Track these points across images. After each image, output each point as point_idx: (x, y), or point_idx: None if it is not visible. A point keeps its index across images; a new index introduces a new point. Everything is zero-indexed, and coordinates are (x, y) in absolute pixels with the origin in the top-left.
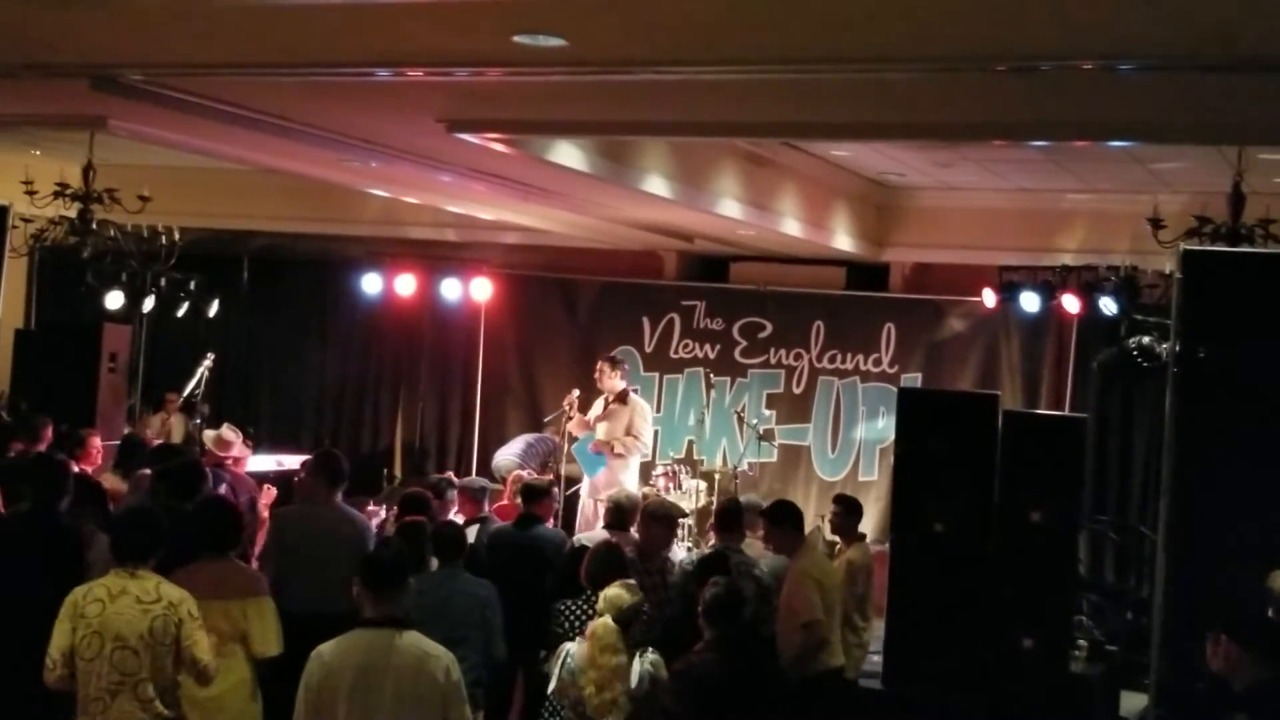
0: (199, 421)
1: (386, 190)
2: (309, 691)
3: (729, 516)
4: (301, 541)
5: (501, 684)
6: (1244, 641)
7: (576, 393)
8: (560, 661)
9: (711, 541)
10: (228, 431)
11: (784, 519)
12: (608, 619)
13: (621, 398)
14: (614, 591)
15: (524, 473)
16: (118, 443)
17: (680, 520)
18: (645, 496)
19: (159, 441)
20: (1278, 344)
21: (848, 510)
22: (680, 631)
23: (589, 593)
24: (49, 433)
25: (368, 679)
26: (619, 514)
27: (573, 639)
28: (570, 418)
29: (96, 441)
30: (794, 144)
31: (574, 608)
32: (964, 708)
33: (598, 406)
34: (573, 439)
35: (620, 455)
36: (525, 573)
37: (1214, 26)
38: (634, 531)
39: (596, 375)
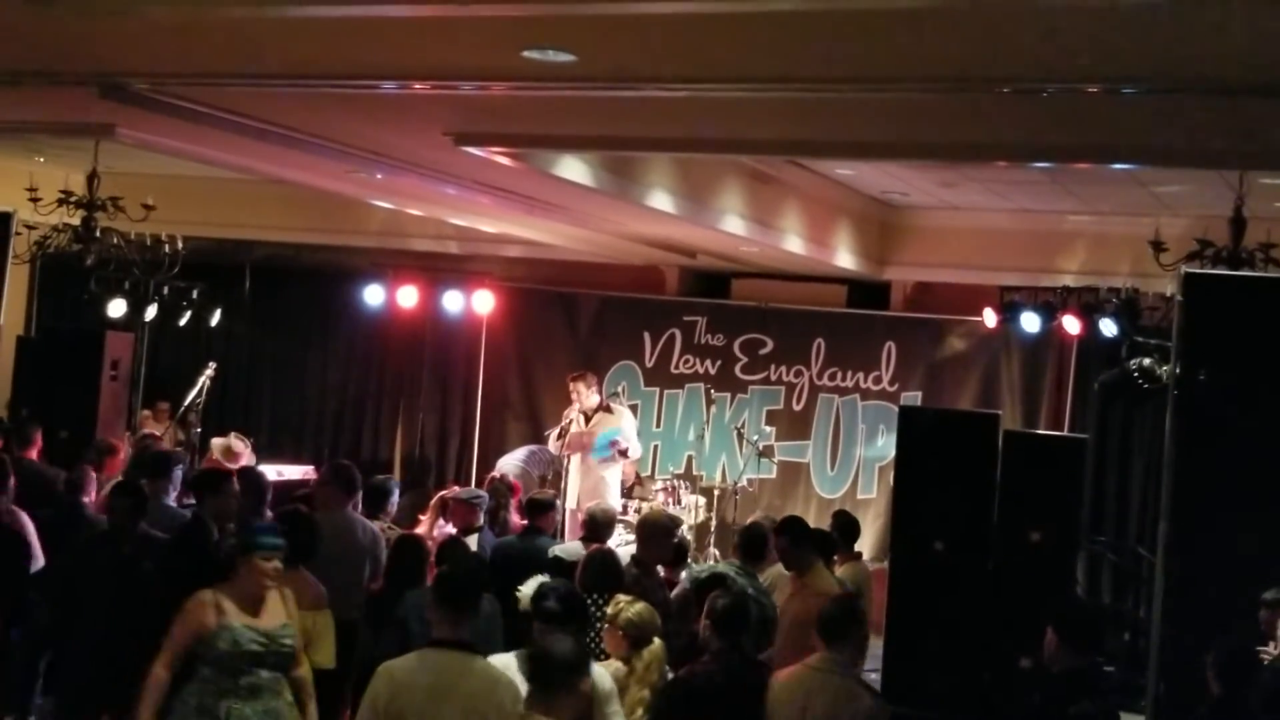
0: (198, 430)
1: (391, 202)
2: (374, 709)
3: (754, 542)
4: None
5: None
6: (1061, 634)
7: (577, 406)
8: None
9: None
10: (236, 441)
11: (803, 537)
12: (657, 646)
13: (605, 408)
14: (645, 614)
15: (496, 474)
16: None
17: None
18: (644, 509)
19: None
20: (1277, 367)
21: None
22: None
23: (585, 599)
24: (39, 438)
25: (437, 700)
26: (594, 527)
27: None
28: (567, 431)
29: (123, 450)
30: (798, 162)
31: None
32: None
33: (579, 421)
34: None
35: (629, 457)
36: None
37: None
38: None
39: (574, 397)
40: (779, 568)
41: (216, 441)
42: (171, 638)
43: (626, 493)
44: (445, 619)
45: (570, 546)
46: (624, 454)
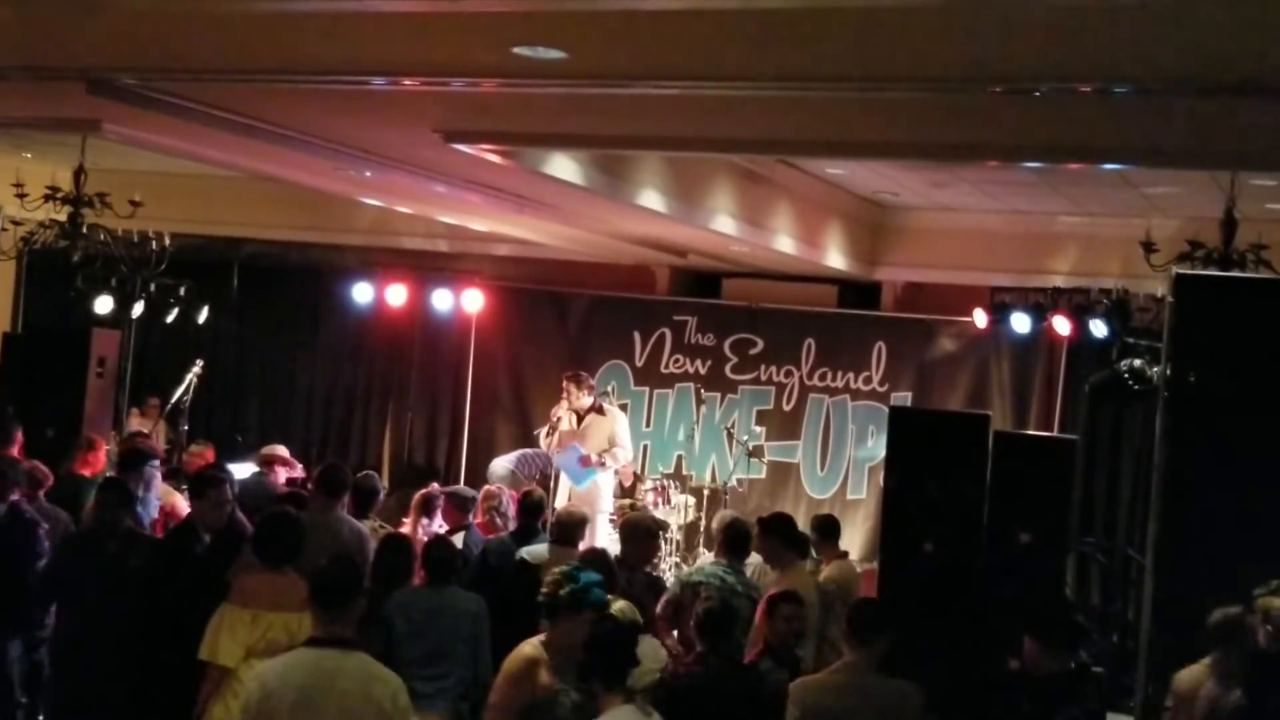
0: (185, 429)
1: (380, 200)
2: (247, 713)
3: (739, 539)
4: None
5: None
6: (1040, 638)
7: (567, 405)
8: None
9: (711, 558)
10: (280, 449)
11: (775, 530)
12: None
13: (597, 409)
14: (628, 611)
15: (493, 488)
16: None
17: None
18: (631, 509)
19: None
20: (1268, 369)
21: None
22: None
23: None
24: (19, 435)
25: (310, 701)
26: (561, 529)
27: None
28: (556, 429)
29: (103, 446)
30: (789, 161)
31: None
32: None
33: (568, 420)
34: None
35: (607, 467)
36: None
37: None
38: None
39: (565, 397)
40: (758, 559)
41: (266, 450)
42: (503, 697)
43: (626, 493)
44: (319, 616)
45: (535, 549)
46: (602, 465)
